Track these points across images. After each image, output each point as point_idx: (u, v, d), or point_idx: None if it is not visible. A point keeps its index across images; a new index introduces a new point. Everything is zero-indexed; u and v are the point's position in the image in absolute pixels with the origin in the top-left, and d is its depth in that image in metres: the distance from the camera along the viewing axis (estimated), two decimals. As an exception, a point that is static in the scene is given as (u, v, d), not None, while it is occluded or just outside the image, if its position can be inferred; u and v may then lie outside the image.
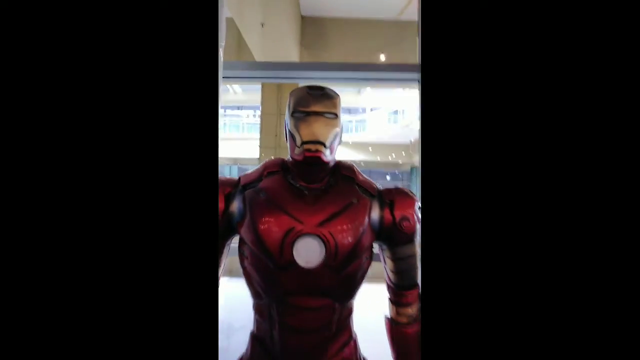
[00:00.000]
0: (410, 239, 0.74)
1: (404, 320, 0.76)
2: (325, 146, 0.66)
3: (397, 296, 0.77)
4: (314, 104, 0.68)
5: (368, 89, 10.79)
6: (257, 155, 5.69)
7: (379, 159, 10.95)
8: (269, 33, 4.29)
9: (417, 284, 0.77)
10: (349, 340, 0.73)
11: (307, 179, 0.70)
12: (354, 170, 0.76)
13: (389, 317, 0.79)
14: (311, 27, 5.32)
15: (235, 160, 10.57)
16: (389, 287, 0.79)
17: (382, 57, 4.58)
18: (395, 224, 0.72)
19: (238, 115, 12.75)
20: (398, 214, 0.72)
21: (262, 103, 5.41)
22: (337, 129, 0.70)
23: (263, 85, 5.37)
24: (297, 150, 0.67)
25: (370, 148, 10.90)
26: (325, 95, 0.70)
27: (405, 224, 0.72)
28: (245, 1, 3.81)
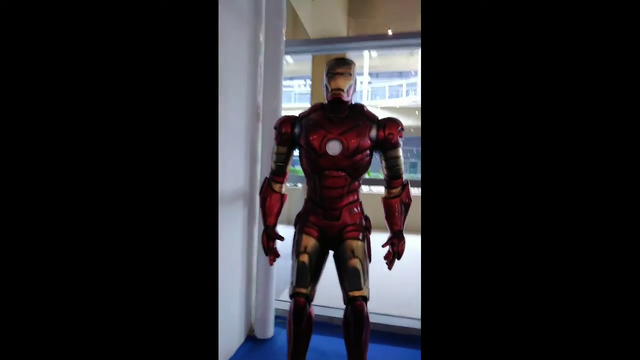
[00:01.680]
0: (394, 146, 1.28)
1: (391, 196, 1.33)
2: (343, 91, 1.22)
3: (388, 183, 1.33)
4: (338, 68, 1.24)
5: (420, 50, 10.39)
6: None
7: (427, 123, 10.79)
8: (319, 6, 4.68)
9: (400, 176, 1.32)
10: (356, 201, 1.32)
11: (335, 111, 1.27)
12: (363, 107, 1.31)
13: (383, 196, 1.36)
14: (358, -5, 5.52)
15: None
16: (384, 179, 1.35)
17: (424, 21, 4.73)
18: (385, 137, 1.26)
19: (290, 86, 13.38)
20: (387, 131, 1.27)
21: (313, 72, 5.93)
22: (351, 82, 1.25)
23: (313, 56, 5.85)
24: (328, 95, 1.24)
25: (417, 112, 10.76)
26: (344, 63, 1.25)
27: (390, 136, 1.26)
28: (297, -23, 4.15)
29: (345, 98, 1.24)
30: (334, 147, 1.22)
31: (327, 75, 1.26)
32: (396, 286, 2.70)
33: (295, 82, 13.51)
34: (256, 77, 1.88)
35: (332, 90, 1.23)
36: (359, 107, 1.32)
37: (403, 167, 1.33)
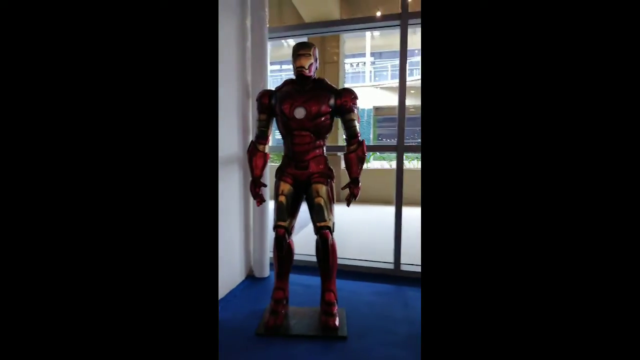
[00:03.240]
0: (349, 111, 1.62)
1: (349, 151, 1.67)
2: (305, 68, 1.55)
3: (348, 142, 1.68)
4: (300, 50, 1.57)
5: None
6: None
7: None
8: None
9: (356, 135, 1.66)
10: (321, 155, 1.68)
11: (300, 85, 1.62)
12: (323, 80, 1.65)
13: (344, 152, 1.70)
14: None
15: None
16: (345, 138, 1.69)
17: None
18: (341, 104, 1.60)
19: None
20: (343, 99, 1.61)
21: (309, 54, 6.19)
22: (312, 60, 1.58)
23: (309, 38, 6.09)
24: (295, 72, 1.58)
25: (412, 91, 10.83)
26: (305, 46, 1.58)
27: (345, 103, 1.60)
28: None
29: (307, 74, 1.57)
30: (299, 112, 1.57)
31: (292, 56, 1.60)
32: (374, 243, 3.10)
33: (298, 66, 13.58)
34: (245, 60, 2.21)
35: (296, 68, 1.57)
36: (321, 81, 1.66)
37: (358, 128, 1.67)
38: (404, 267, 2.36)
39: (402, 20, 2.25)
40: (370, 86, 12.92)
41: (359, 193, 1.67)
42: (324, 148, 1.71)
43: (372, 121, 13.10)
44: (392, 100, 11.77)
